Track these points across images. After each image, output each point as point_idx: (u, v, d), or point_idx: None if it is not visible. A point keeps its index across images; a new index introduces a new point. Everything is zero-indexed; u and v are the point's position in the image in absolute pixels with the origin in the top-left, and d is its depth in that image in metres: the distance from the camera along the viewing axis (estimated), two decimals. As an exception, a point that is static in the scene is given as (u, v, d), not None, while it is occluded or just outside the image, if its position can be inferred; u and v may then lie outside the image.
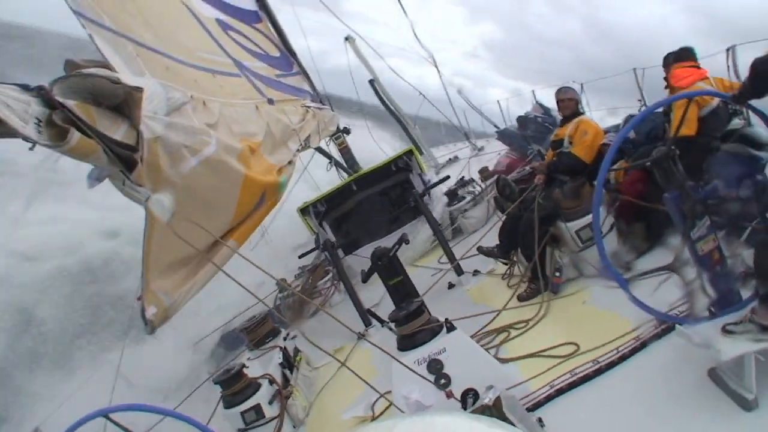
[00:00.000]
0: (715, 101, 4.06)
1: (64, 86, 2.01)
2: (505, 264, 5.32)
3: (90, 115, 2.06)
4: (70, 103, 1.99)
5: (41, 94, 1.90)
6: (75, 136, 1.93)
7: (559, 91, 5.11)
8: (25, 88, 1.91)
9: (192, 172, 2.75)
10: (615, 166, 4.32)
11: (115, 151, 2.16)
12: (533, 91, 13.14)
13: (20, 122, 1.80)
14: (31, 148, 1.88)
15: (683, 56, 4.50)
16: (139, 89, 2.28)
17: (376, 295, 5.98)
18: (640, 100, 8.93)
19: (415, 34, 12.59)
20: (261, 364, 4.81)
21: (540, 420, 2.86)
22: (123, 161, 2.23)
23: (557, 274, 4.48)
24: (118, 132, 2.20)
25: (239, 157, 3.37)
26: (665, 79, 5.05)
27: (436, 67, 12.88)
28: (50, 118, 1.91)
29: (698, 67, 4.41)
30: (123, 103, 2.26)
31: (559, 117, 6.04)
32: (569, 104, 5.02)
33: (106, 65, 2.53)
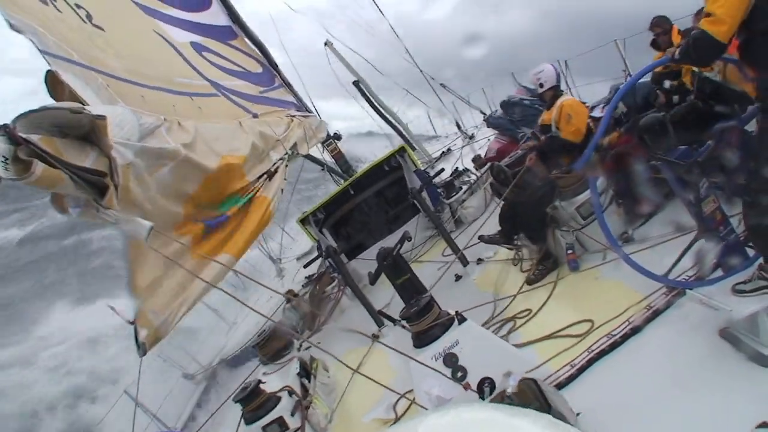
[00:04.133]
0: None
1: (27, 122, 2.05)
2: (510, 249, 5.32)
3: (54, 146, 2.11)
4: (35, 138, 2.03)
5: (6, 132, 1.93)
6: (39, 167, 1.98)
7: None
8: None
9: (159, 182, 2.83)
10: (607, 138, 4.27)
11: (84, 178, 2.21)
12: (512, 73, 13.06)
13: None
14: None
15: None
16: (102, 117, 2.31)
17: (386, 295, 5.98)
18: (624, 71, 8.94)
19: (393, 30, 12.57)
20: (279, 377, 4.80)
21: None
22: (94, 187, 2.28)
23: (569, 251, 4.45)
24: (88, 159, 2.24)
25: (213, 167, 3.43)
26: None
27: (415, 63, 12.84)
28: (15, 154, 1.95)
29: None
30: (90, 132, 2.30)
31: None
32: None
33: (77, 98, 2.57)
